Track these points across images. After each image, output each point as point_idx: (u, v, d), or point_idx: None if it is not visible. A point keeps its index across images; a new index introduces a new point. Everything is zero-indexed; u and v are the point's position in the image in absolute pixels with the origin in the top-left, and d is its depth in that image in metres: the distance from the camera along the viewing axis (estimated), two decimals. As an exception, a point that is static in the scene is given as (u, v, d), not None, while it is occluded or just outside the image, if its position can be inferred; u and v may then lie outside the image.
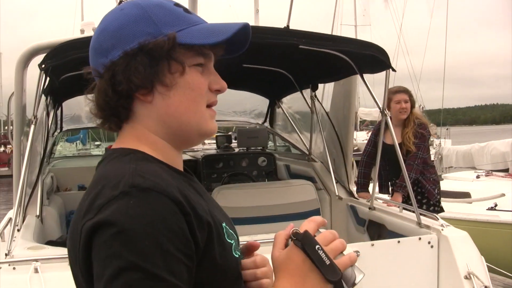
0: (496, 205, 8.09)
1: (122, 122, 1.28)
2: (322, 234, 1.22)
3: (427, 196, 5.71)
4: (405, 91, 5.85)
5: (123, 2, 1.33)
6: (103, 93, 1.22)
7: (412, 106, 5.82)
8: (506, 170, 11.52)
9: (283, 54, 4.64)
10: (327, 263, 1.16)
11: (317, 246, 1.18)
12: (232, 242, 1.27)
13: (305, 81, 5.63)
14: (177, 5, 1.29)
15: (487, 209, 8.01)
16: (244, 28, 1.26)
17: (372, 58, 3.99)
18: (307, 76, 5.50)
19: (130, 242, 1.00)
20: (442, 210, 5.86)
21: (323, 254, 1.17)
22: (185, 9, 1.29)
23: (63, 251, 3.16)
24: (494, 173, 11.27)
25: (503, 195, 8.62)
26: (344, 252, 1.22)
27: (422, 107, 15.55)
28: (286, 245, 1.26)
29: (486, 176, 10.98)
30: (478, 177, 10.82)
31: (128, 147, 1.25)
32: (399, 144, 5.38)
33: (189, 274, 1.06)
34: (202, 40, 1.21)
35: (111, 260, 1.00)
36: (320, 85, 5.73)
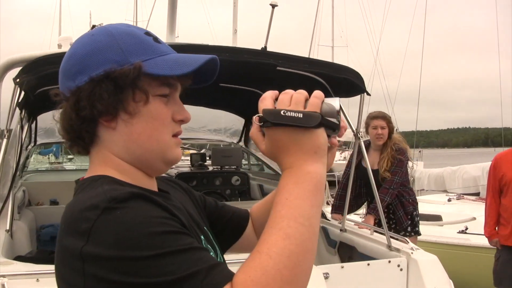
0: (466, 229, 8.15)
1: (88, 145, 1.30)
2: (279, 101, 1.19)
3: (395, 222, 5.77)
4: (383, 117, 5.87)
5: (95, 27, 1.35)
6: (68, 117, 1.25)
7: (391, 132, 5.85)
8: (477, 194, 11.63)
9: (260, 75, 4.67)
10: (300, 116, 1.14)
11: (281, 112, 1.14)
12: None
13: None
14: (147, 34, 1.31)
15: (457, 232, 8.07)
16: (212, 61, 1.28)
17: (347, 82, 4.03)
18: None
19: (137, 245, 1.01)
20: (417, 233, 5.93)
21: (291, 113, 1.14)
22: (155, 38, 1.31)
23: (32, 267, 3.14)
24: (465, 196, 11.38)
25: (474, 218, 8.70)
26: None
27: (396, 129, 15.70)
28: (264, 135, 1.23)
29: (457, 199, 11.08)
30: (449, 200, 10.93)
31: (96, 174, 1.26)
32: (375, 170, 5.46)
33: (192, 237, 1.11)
34: (167, 71, 1.23)
35: (128, 270, 1.01)
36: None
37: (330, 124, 1.18)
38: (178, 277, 1.00)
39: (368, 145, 5.86)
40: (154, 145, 1.27)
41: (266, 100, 1.20)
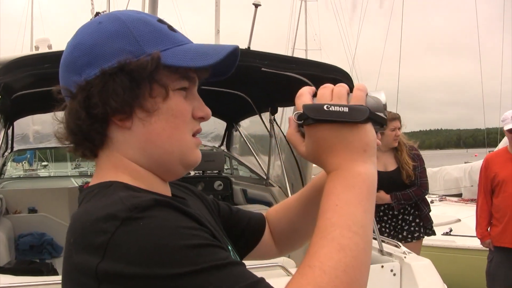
0: (451, 230, 8.12)
1: (97, 148, 1.14)
2: (318, 96, 1.09)
3: (423, 220, 5.72)
4: (399, 118, 5.79)
5: (100, 15, 1.18)
6: (75, 116, 1.10)
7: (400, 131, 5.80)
8: (460, 195, 11.62)
9: (243, 76, 4.55)
10: (346, 110, 1.03)
11: (325, 106, 1.03)
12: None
13: (264, 104, 5.53)
14: (160, 21, 1.17)
15: (442, 234, 8.03)
16: (234, 51, 1.14)
17: (336, 82, 3.90)
18: (267, 99, 5.40)
19: (167, 260, 0.88)
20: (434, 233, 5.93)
21: (335, 107, 1.03)
22: (170, 27, 1.17)
23: (11, 280, 3.01)
24: (447, 198, 11.36)
25: (459, 220, 8.66)
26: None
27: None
28: (304, 136, 1.10)
29: (440, 201, 11.06)
30: (432, 202, 10.85)
31: (107, 180, 1.10)
32: (396, 169, 5.52)
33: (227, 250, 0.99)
34: (188, 63, 1.10)
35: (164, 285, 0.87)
36: (280, 108, 5.65)
37: (378, 118, 1.06)
38: None
39: None
40: (175, 146, 1.13)
41: (304, 96, 1.09)
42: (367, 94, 1.07)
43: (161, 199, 0.99)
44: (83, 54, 1.10)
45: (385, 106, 1.07)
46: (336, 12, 33.78)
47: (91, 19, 1.19)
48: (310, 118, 1.05)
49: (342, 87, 1.08)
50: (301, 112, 1.06)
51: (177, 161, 1.16)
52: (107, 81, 1.06)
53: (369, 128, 1.05)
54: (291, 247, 1.57)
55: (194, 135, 1.19)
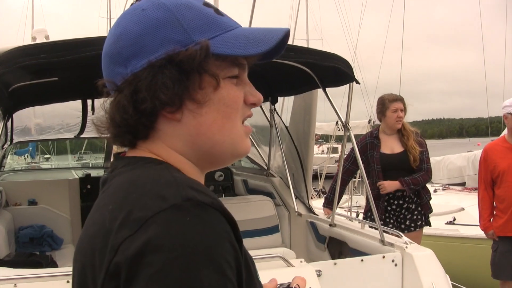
0: (454, 219, 8.08)
1: (140, 139, 1.09)
2: None
3: (423, 207, 5.65)
4: (402, 99, 5.72)
5: (140, 0, 1.10)
6: (122, 110, 1.04)
7: (405, 114, 5.72)
8: (463, 184, 11.58)
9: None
10: None
11: None
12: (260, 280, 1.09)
13: (264, 94, 5.46)
14: (206, 4, 1.11)
15: (445, 224, 7.99)
16: (286, 35, 1.09)
17: (335, 70, 3.87)
18: (267, 89, 5.35)
19: (193, 269, 0.83)
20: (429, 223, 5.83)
21: None
22: (216, 10, 1.10)
23: (9, 272, 3.00)
24: (451, 187, 11.32)
25: (462, 209, 8.62)
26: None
27: (374, 121, 15.60)
28: None
29: (443, 190, 11.01)
30: (435, 191, 10.83)
31: (156, 157, 1.06)
32: (403, 152, 5.46)
33: None
34: (240, 51, 1.04)
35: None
36: (280, 98, 5.60)
37: None
38: None
39: (375, 136, 5.69)
40: (226, 136, 1.08)
41: None
42: None
43: (218, 203, 0.93)
44: (129, 44, 1.04)
45: None
46: (337, 1, 33.59)
47: (132, 4, 1.13)
48: None
49: None
50: None
51: (227, 151, 1.11)
52: (156, 74, 1.01)
53: None
54: None
55: (243, 121, 1.13)
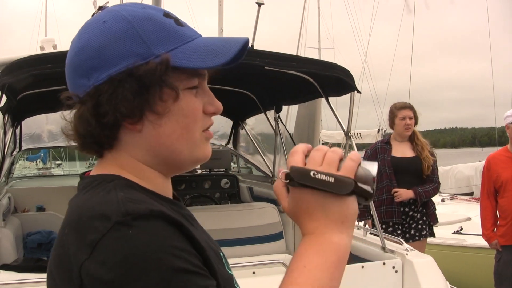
0: (461, 229, 8.07)
1: (105, 149, 1.12)
2: (310, 158, 1.05)
3: (430, 217, 5.68)
4: (410, 107, 5.76)
5: (101, 11, 1.14)
6: (85, 122, 1.07)
7: (416, 122, 5.74)
8: (471, 194, 11.54)
9: (248, 75, 4.56)
10: (332, 181, 1.01)
11: (311, 173, 1.01)
12: (231, 273, 1.13)
13: (269, 102, 5.54)
14: (167, 15, 1.13)
15: (452, 233, 7.98)
16: (244, 46, 1.12)
17: (337, 80, 3.92)
18: (272, 98, 5.41)
19: (149, 276, 0.88)
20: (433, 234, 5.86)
21: (321, 175, 1.01)
22: (176, 20, 1.13)
23: (17, 276, 3.06)
24: (459, 196, 11.29)
25: (469, 219, 8.61)
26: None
27: (385, 130, 15.58)
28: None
29: (451, 199, 11.00)
30: (443, 200, 10.82)
31: (110, 173, 1.09)
32: (413, 158, 5.52)
33: (210, 279, 0.97)
34: (199, 63, 1.07)
35: None
36: (284, 107, 5.64)
37: (363, 193, 1.03)
38: None
39: (386, 142, 5.76)
40: (184, 145, 1.11)
41: (297, 155, 1.06)
42: (359, 164, 1.05)
43: (158, 210, 0.97)
44: (90, 57, 1.06)
45: (374, 179, 1.04)
46: (349, 9, 33.62)
47: (93, 14, 1.15)
48: (294, 181, 1.04)
49: (335, 153, 1.05)
50: (288, 173, 1.05)
51: (186, 158, 1.14)
52: (116, 88, 1.04)
53: (352, 201, 1.04)
54: None
55: (206, 129, 1.17)
